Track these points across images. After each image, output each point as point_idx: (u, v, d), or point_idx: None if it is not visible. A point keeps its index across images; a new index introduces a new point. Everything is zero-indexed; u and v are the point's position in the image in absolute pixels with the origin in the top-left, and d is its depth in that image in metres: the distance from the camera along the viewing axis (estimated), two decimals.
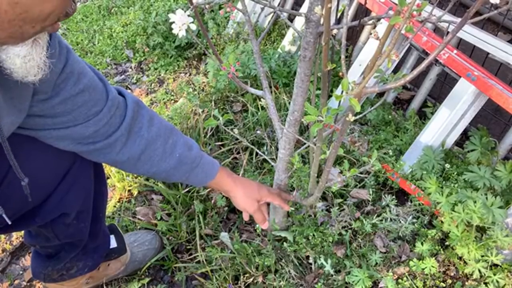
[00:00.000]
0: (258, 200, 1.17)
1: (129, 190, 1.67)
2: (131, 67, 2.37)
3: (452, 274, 1.28)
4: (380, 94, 1.86)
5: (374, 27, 1.71)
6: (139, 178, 1.67)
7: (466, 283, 1.26)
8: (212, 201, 1.50)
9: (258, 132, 1.65)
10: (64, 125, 0.88)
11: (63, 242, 1.14)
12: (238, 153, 1.61)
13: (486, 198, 1.22)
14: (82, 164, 1.02)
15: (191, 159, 1.03)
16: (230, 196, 1.17)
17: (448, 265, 1.30)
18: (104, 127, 0.91)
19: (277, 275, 1.29)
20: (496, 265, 1.23)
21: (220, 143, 1.67)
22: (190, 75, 2.23)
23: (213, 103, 1.80)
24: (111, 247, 1.32)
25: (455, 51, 1.43)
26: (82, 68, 0.87)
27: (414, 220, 1.37)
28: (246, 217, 1.26)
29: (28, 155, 0.91)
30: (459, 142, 1.59)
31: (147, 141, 0.96)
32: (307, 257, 1.34)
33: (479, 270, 1.19)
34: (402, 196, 1.51)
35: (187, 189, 1.55)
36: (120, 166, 1.02)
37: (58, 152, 0.95)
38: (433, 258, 1.25)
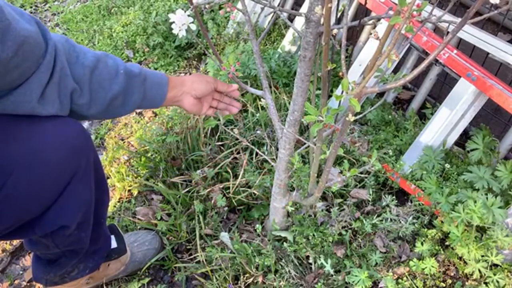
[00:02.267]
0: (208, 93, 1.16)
1: (129, 190, 1.67)
2: None
3: (452, 274, 1.28)
4: (380, 94, 1.86)
5: (374, 27, 1.71)
6: (139, 178, 1.67)
7: (466, 283, 1.26)
8: (212, 201, 1.50)
9: (258, 132, 1.65)
10: (21, 79, 0.84)
11: (64, 250, 1.14)
12: (238, 153, 1.61)
13: (486, 198, 1.22)
14: (83, 176, 1.00)
15: (136, 71, 1.01)
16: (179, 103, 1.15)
17: (448, 265, 1.30)
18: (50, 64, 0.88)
19: (277, 275, 1.29)
20: (496, 265, 1.23)
21: (220, 143, 1.67)
22: (190, 75, 2.24)
23: None
24: (111, 247, 1.32)
25: (455, 51, 1.43)
26: (12, 14, 0.80)
27: (414, 220, 1.37)
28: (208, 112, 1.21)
29: (28, 168, 0.90)
30: (459, 142, 1.59)
31: (90, 68, 0.94)
32: (307, 257, 1.34)
33: (479, 270, 1.19)
34: (402, 196, 1.51)
35: (187, 189, 1.55)
36: (83, 109, 0.98)
37: (58, 164, 0.94)
38: (433, 258, 1.25)
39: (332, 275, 1.27)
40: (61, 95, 0.91)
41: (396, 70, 1.86)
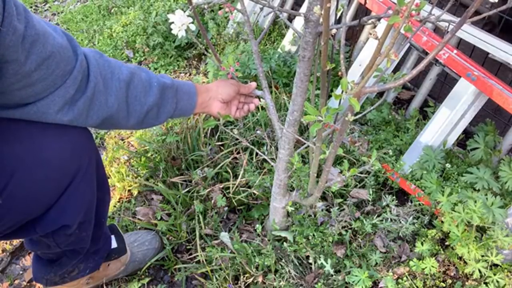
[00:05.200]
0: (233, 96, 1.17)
1: (129, 190, 1.67)
2: None
3: (452, 274, 1.28)
4: (380, 94, 1.86)
5: (374, 26, 1.71)
6: (139, 178, 1.67)
7: (466, 283, 1.26)
8: (212, 201, 1.50)
9: (258, 132, 1.65)
10: (46, 92, 0.86)
11: (64, 249, 1.14)
12: (238, 153, 1.61)
13: (486, 198, 1.22)
14: (84, 176, 1.01)
15: (169, 82, 1.04)
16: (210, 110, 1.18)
17: (448, 265, 1.30)
18: (81, 82, 0.90)
19: (277, 275, 1.29)
20: (496, 265, 1.23)
21: (220, 143, 1.67)
22: (190, 75, 2.24)
23: None
24: (111, 247, 1.32)
25: (455, 51, 1.43)
26: (44, 27, 0.83)
27: (414, 220, 1.37)
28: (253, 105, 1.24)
29: (30, 168, 0.90)
30: (459, 142, 1.59)
31: (125, 82, 0.96)
32: (307, 257, 1.34)
33: (479, 270, 1.19)
34: (402, 196, 1.51)
35: (187, 189, 1.55)
36: (116, 120, 0.99)
37: (60, 164, 0.94)
38: (433, 258, 1.25)
39: (332, 275, 1.27)
40: (91, 109, 0.94)
41: (396, 70, 1.86)
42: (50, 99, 0.87)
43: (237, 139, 1.64)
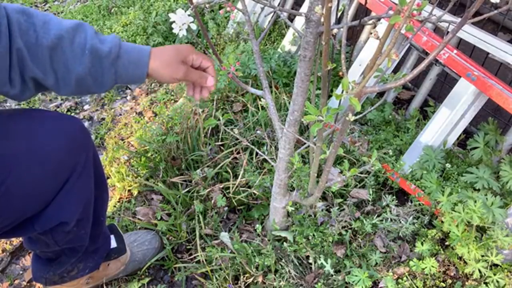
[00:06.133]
0: (182, 62, 0.98)
1: (129, 190, 1.67)
2: None
3: (452, 274, 1.28)
4: (381, 94, 1.86)
5: (374, 26, 1.71)
6: (139, 178, 1.67)
7: (466, 283, 1.26)
8: (212, 201, 1.50)
9: (258, 132, 1.65)
10: None
11: (63, 247, 1.14)
12: (238, 153, 1.61)
13: (486, 198, 1.22)
14: (82, 172, 1.01)
15: (105, 50, 0.90)
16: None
17: (448, 265, 1.30)
18: None
19: (277, 275, 1.29)
20: (496, 265, 1.23)
21: (220, 143, 1.67)
22: None
23: (213, 102, 1.80)
24: (111, 247, 1.32)
25: (455, 51, 1.43)
26: None
27: (414, 220, 1.37)
28: (189, 92, 1.06)
29: (27, 164, 0.90)
30: (460, 142, 1.59)
31: (50, 47, 0.85)
32: (307, 257, 1.34)
33: (479, 270, 1.19)
34: (402, 196, 1.51)
35: (187, 189, 1.55)
36: (48, 86, 0.90)
37: (58, 160, 0.94)
38: (433, 258, 1.25)
39: (332, 275, 1.27)
40: (24, 77, 0.86)
41: (396, 70, 1.86)
42: None
43: (237, 139, 1.64)
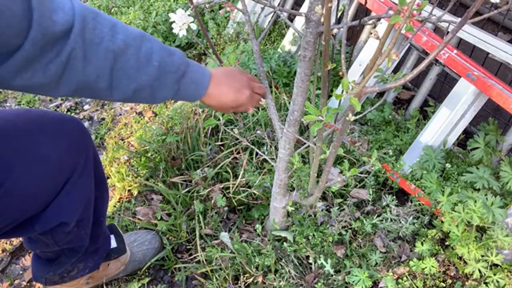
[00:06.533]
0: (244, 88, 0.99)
1: (129, 190, 1.67)
2: None
3: (452, 274, 1.28)
4: (381, 94, 1.86)
5: (374, 27, 1.71)
6: (139, 178, 1.67)
7: (466, 283, 1.26)
8: (212, 201, 1.50)
9: (258, 132, 1.65)
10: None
11: (63, 248, 1.14)
12: (238, 153, 1.61)
13: (486, 198, 1.22)
14: (82, 173, 1.01)
15: (175, 66, 0.88)
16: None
17: (448, 265, 1.30)
18: (44, 41, 0.74)
19: (277, 275, 1.29)
20: (496, 265, 1.23)
21: (220, 143, 1.67)
22: None
23: None
24: (111, 247, 1.32)
25: (455, 51, 1.43)
26: None
27: (414, 220, 1.37)
28: (251, 111, 1.06)
29: (27, 165, 0.90)
30: (460, 142, 1.59)
31: (114, 53, 0.80)
32: (307, 257, 1.34)
33: (479, 270, 1.19)
34: (402, 196, 1.51)
35: (187, 189, 1.55)
36: (94, 90, 0.85)
37: (58, 162, 0.94)
38: (433, 258, 1.25)
39: (332, 275, 1.27)
40: (64, 76, 0.79)
41: (396, 70, 1.86)
42: (12, 63, 0.73)
43: (237, 139, 1.64)
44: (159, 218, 1.52)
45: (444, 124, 1.44)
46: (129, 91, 0.86)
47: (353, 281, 1.21)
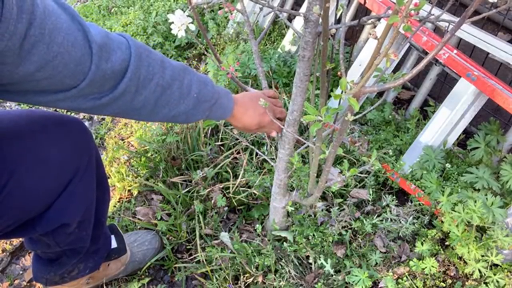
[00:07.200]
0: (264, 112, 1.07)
1: (129, 190, 1.67)
2: None
3: (452, 274, 1.28)
4: (380, 94, 1.86)
5: (374, 26, 1.71)
6: (139, 178, 1.67)
7: (466, 283, 1.26)
8: (212, 201, 1.50)
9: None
10: (54, 89, 0.75)
11: (64, 248, 1.14)
12: (238, 153, 1.61)
13: (486, 198, 1.22)
14: (84, 174, 1.01)
15: (209, 95, 0.96)
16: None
17: (448, 265, 1.29)
18: (101, 81, 0.77)
19: (277, 275, 1.29)
20: (496, 265, 1.23)
21: (220, 143, 1.67)
22: None
23: None
24: (111, 247, 1.32)
25: (455, 51, 1.43)
26: (56, 22, 0.69)
27: (414, 220, 1.37)
28: (274, 134, 1.13)
29: (30, 166, 0.90)
30: (460, 142, 1.59)
31: (163, 87, 0.86)
32: (307, 257, 1.34)
33: (479, 270, 1.19)
34: (402, 196, 1.51)
35: (187, 189, 1.55)
36: (134, 115, 0.90)
37: (60, 163, 0.94)
38: (433, 258, 1.25)
39: (332, 275, 1.27)
40: (111, 105, 0.83)
41: (396, 70, 1.86)
42: (61, 95, 0.76)
43: (237, 139, 1.64)
44: (159, 218, 1.52)
45: (444, 124, 1.44)
46: (167, 117, 0.94)
47: (353, 281, 1.21)
